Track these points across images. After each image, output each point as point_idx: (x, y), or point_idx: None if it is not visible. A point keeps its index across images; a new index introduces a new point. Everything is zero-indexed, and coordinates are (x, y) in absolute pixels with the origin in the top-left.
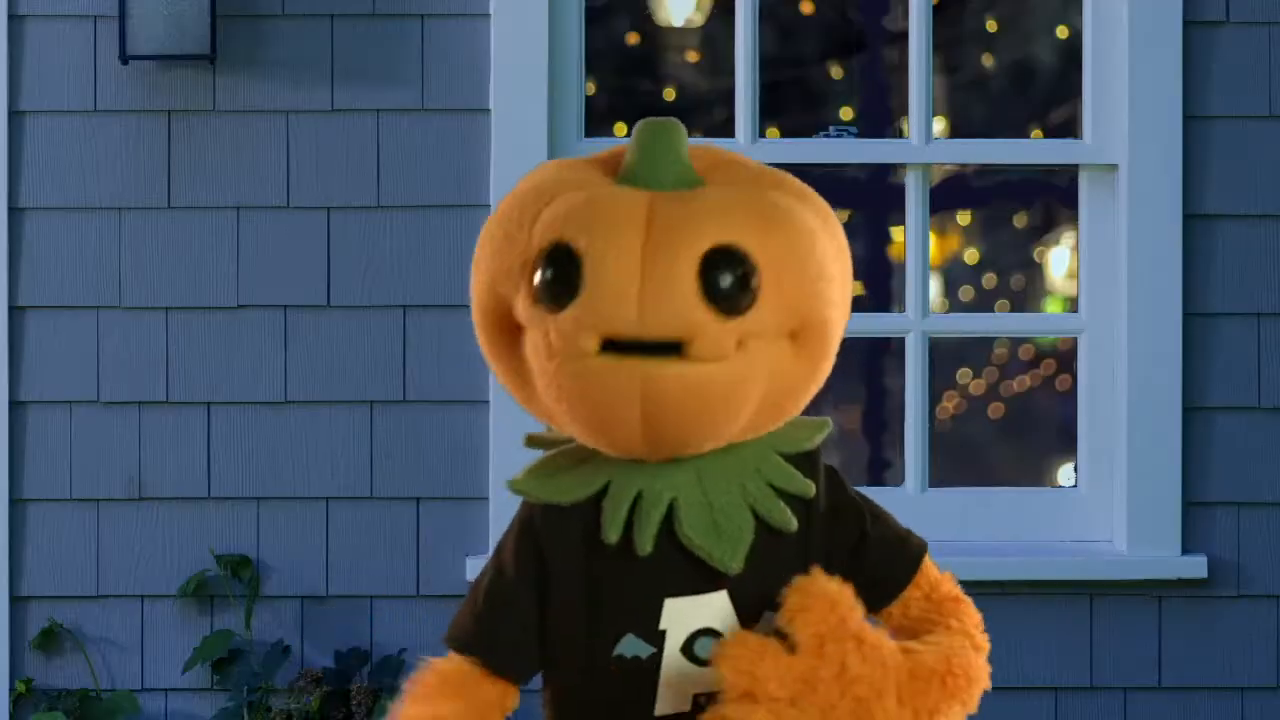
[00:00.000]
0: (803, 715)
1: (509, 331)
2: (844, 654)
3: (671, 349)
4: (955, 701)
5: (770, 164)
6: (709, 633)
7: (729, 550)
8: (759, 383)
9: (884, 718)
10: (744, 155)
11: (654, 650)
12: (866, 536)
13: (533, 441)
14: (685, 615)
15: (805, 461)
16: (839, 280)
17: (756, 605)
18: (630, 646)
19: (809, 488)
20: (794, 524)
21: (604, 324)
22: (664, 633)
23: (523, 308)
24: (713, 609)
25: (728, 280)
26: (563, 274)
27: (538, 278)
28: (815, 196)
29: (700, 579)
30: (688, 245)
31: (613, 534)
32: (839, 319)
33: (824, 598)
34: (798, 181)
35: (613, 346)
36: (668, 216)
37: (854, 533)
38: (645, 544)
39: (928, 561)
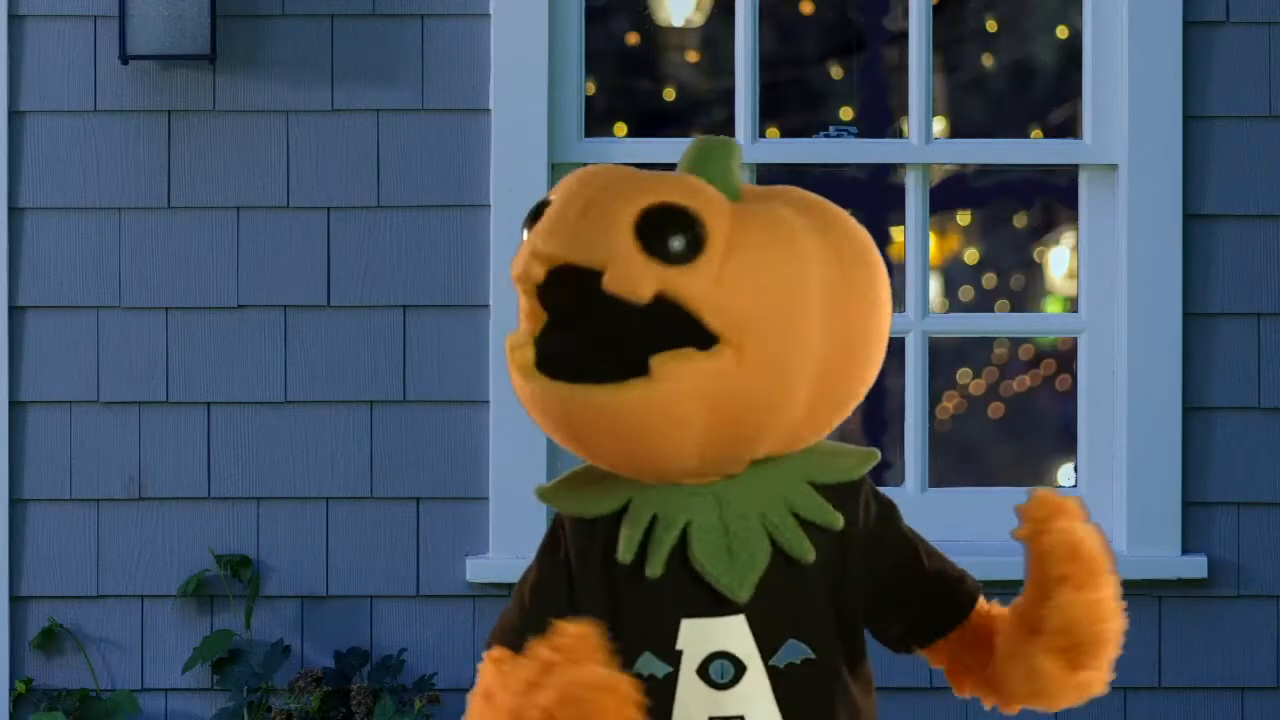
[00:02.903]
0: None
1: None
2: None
3: (599, 374)
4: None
5: (770, 164)
6: (725, 656)
7: (738, 578)
8: (692, 399)
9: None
10: (807, 193)
11: (670, 670)
12: (923, 572)
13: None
14: (702, 637)
15: (845, 492)
16: (822, 311)
17: (776, 633)
18: (647, 664)
19: (835, 520)
20: (811, 555)
21: (540, 246)
22: (680, 653)
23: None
24: (730, 633)
25: (663, 227)
26: (533, 220)
27: (523, 235)
28: (848, 235)
29: (716, 602)
30: (642, 195)
31: (627, 554)
32: (798, 343)
33: (1086, 532)
34: (839, 216)
35: (546, 365)
36: (645, 179)
37: (903, 568)
38: (656, 567)
39: (981, 600)
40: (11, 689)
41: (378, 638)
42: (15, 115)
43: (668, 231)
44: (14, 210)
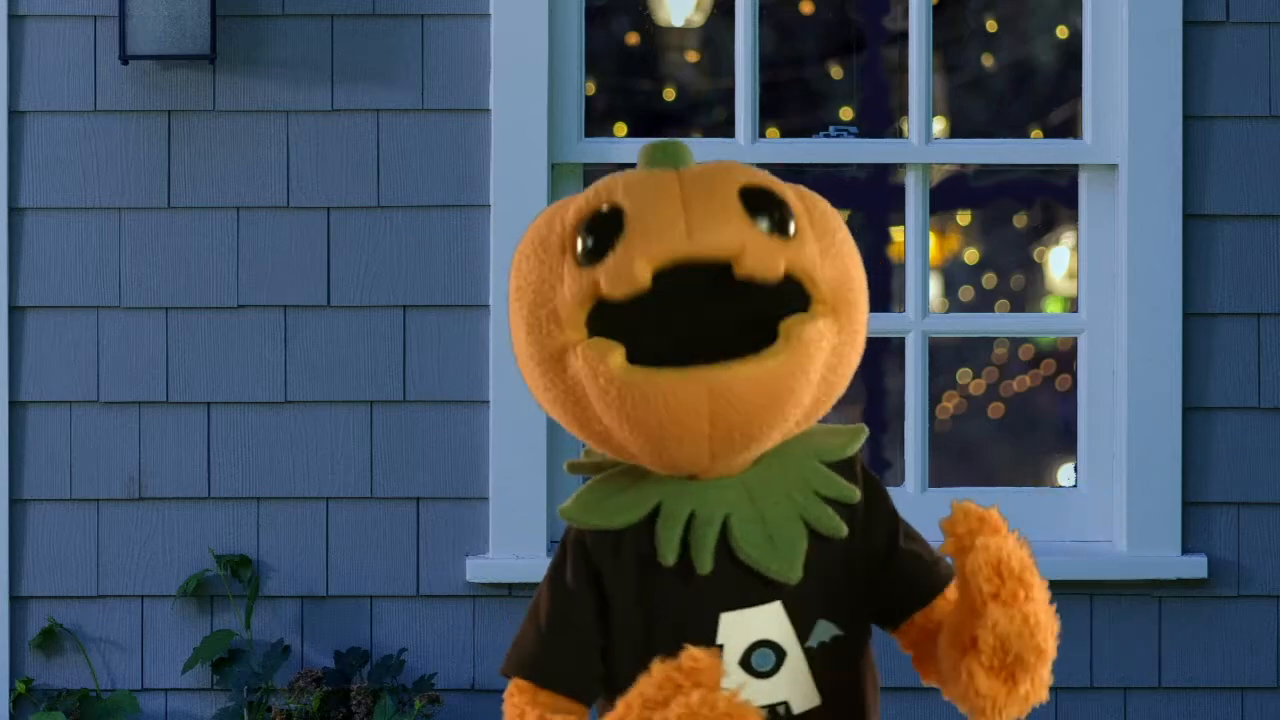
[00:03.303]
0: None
1: (555, 356)
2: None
3: (735, 351)
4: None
5: (770, 164)
6: (766, 645)
7: (786, 562)
8: (818, 366)
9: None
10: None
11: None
12: (898, 551)
13: (574, 468)
14: (741, 628)
15: (846, 468)
16: (858, 269)
17: (810, 613)
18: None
19: (854, 493)
20: (844, 530)
21: (655, 248)
22: (721, 647)
23: (566, 312)
24: (767, 620)
25: (769, 205)
26: (605, 229)
27: (579, 246)
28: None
29: (755, 592)
30: (723, 180)
31: (669, 555)
32: (863, 301)
33: (1010, 539)
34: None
35: (676, 358)
36: (697, 169)
37: (887, 543)
38: (705, 563)
39: (951, 588)
40: (11, 689)
41: (378, 638)
42: (15, 115)
43: (771, 209)
44: (14, 210)
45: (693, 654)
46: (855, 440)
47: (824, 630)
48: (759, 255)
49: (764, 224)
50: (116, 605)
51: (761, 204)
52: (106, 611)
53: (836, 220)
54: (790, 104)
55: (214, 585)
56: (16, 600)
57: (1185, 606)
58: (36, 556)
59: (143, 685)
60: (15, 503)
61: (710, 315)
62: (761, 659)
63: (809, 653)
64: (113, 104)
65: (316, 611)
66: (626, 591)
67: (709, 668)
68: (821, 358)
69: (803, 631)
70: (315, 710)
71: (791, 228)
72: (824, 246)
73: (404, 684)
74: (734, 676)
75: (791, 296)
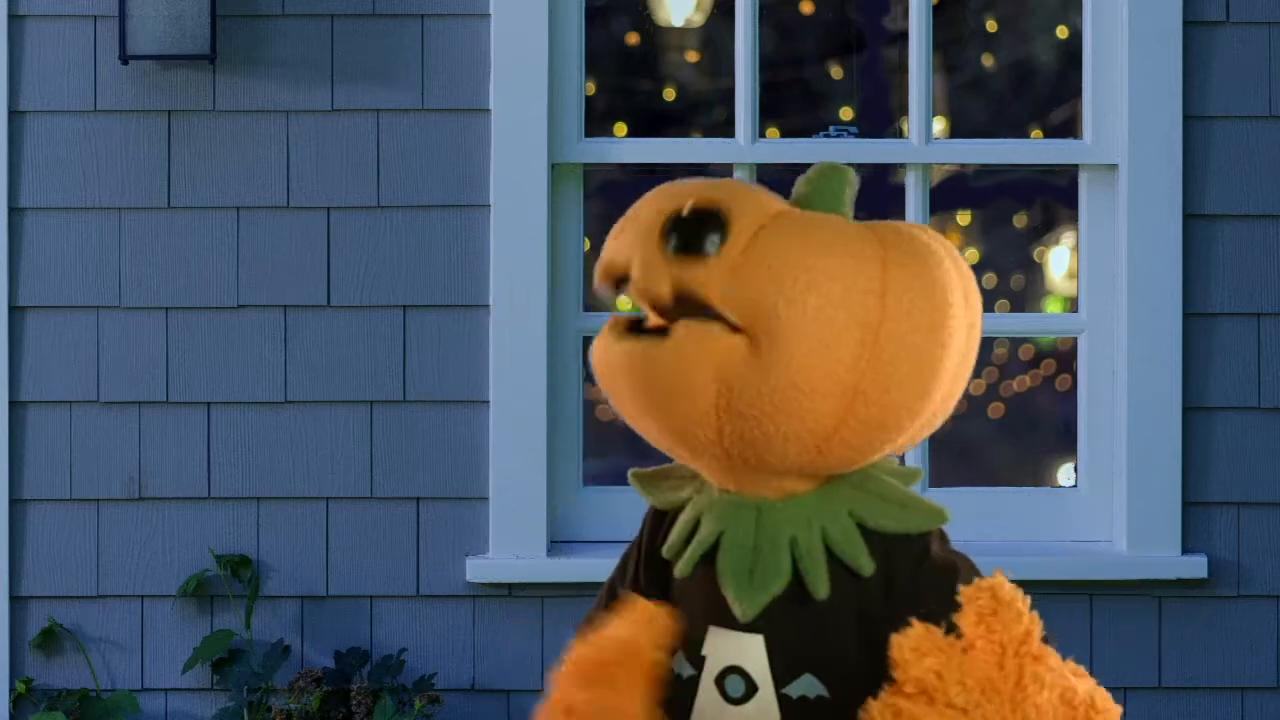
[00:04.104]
0: None
1: None
2: (1022, 671)
3: (638, 334)
4: None
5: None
6: (739, 672)
7: (749, 597)
8: (696, 362)
9: None
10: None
11: (694, 674)
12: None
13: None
14: (723, 647)
15: (899, 543)
16: (860, 324)
17: (794, 662)
18: (679, 663)
19: (864, 565)
20: (822, 590)
21: (601, 259)
22: (704, 659)
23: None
24: (747, 651)
25: (686, 227)
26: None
27: None
28: (915, 258)
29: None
30: (684, 199)
31: (669, 551)
32: (821, 349)
33: (1013, 607)
34: (915, 240)
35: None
36: (694, 187)
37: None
38: (684, 567)
39: None
40: (11, 689)
41: (378, 638)
42: (15, 115)
43: (690, 230)
44: (14, 210)
45: (630, 599)
46: (915, 520)
47: (808, 684)
48: (645, 274)
49: (671, 244)
50: (116, 605)
51: (681, 223)
52: (106, 611)
53: (789, 258)
54: (790, 104)
55: (214, 585)
56: (16, 600)
57: (1185, 606)
58: (36, 556)
59: (143, 685)
60: (15, 503)
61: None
62: (733, 684)
63: (785, 700)
64: (113, 104)
65: (316, 611)
66: (653, 571)
67: (637, 612)
68: (703, 362)
69: (781, 676)
70: (315, 710)
71: (708, 249)
72: (746, 272)
73: (404, 684)
74: (708, 694)
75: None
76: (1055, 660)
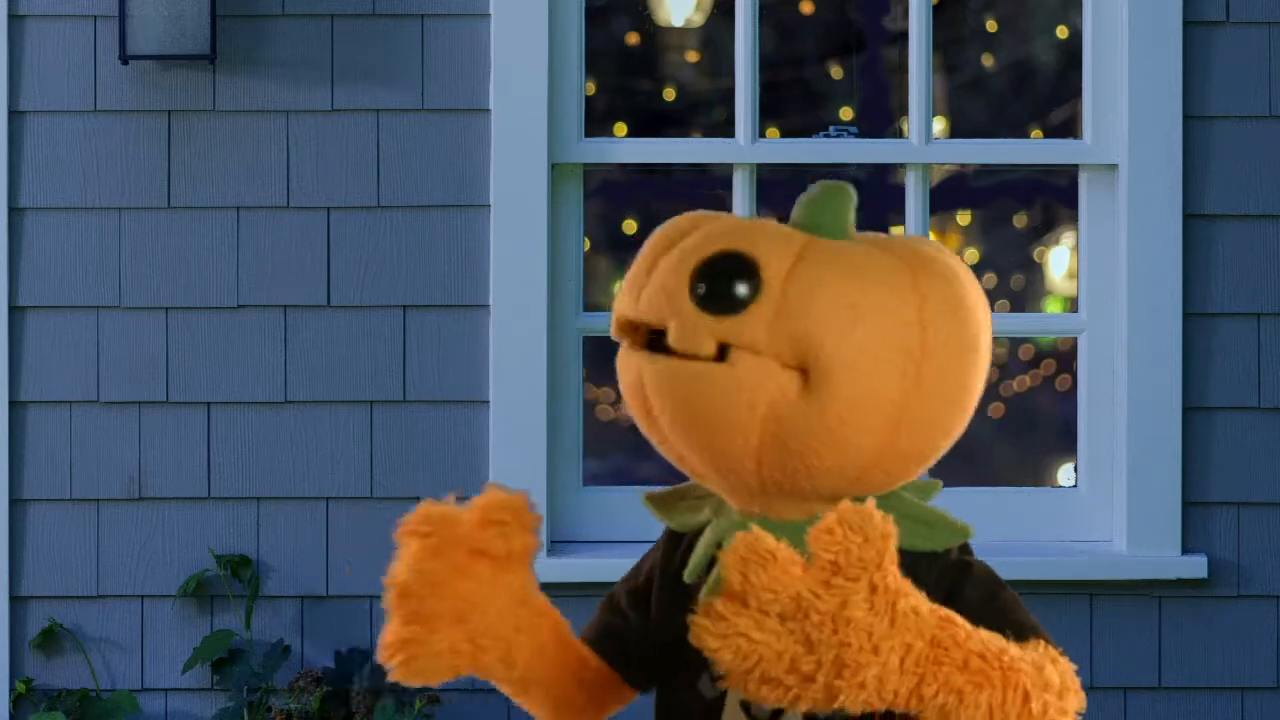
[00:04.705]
0: (785, 637)
1: None
2: (849, 593)
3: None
4: (980, 690)
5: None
6: None
7: None
8: (750, 398)
9: (873, 676)
10: (915, 237)
11: (719, 694)
12: None
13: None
14: None
15: (920, 560)
16: (905, 354)
17: None
18: (705, 685)
19: None
20: None
21: (617, 308)
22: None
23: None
24: None
25: (717, 280)
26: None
27: None
28: (944, 276)
29: None
30: (705, 247)
31: (689, 576)
32: (873, 383)
33: (858, 528)
34: (938, 257)
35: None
36: (707, 228)
37: None
38: (706, 591)
39: None
40: (11, 689)
41: (378, 638)
42: (15, 115)
43: (721, 283)
44: (14, 210)
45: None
46: (939, 537)
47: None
48: (685, 334)
49: (700, 293)
50: (116, 605)
51: (718, 268)
52: (106, 611)
53: (829, 294)
54: (790, 104)
55: (214, 585)
56: (16, 600)
57: (1185, 606)
58: (36, 556)
59: (143, 685)
60: (15, 503)
61: None
62: (759, 706)
63: None
64: (113, 104)
65: (316, 611)
66: (667, 593)
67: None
68: (758, 397)
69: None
70: (315, 710)
71: (741, 297)
72: (788, 313)
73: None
74: (733, 715)
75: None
76: (921, 601)
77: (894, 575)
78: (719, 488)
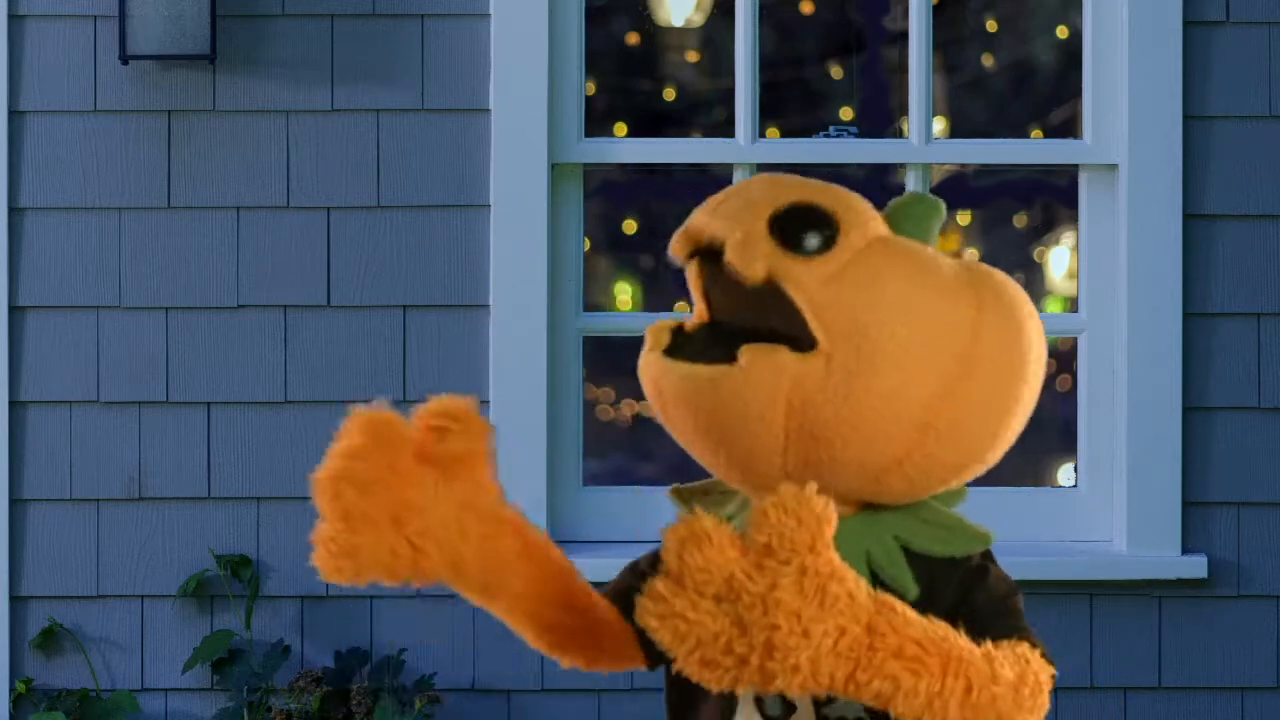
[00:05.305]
0: (720, 618)
1: None
2: (779, 575)
3: (695, 356)
4: (918, 678)
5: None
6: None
7: None
8: (769, 394)
9: (805, 659)
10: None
11: (732, 692)
12: None
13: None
14: None
15: (941, 566)
16: (943, 358)
17: None
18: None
19: (908, 589)
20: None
21: (690, 220)
22: None
23: None
24: None
25: (796, 220)
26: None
27: None
28: (1001, 295)
29: None
30: (789, 193)
31: None
32: (900, 379)
33: (793, 511)
34: (999, 279)
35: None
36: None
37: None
38: None
39: None
40: (11, 689)
41: (378, 638)
42: (15, 115)
43: (799, 225)
44: (14, 210)
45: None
46: (959, 543)
47: (849, 707)
48: (744, 249)
49: (777, 229)
50: (116, 605)
51: (793, 216)
52: (106, 611)
53: (887, 284)
54: (790, 104)
55: (214, 585)
56: (16, 600)
57: (1185, 606)
58: (36, 556)
59: (143, 685)
60: (15, 503)
61: (713, 316)
62: (772, 704)
63: (824, 719)
64: (113, 104)
65: (316, 611)
66: None
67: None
68: (775, 389)
69: (822, 696)
70: (315, 710)
71: (810, 245)
72: (843, 284)
73: (404, 684)
74: (746, 713)
75: (784, 321)
76: (859, 587)
77: (826, 559)
78: (741, 487)
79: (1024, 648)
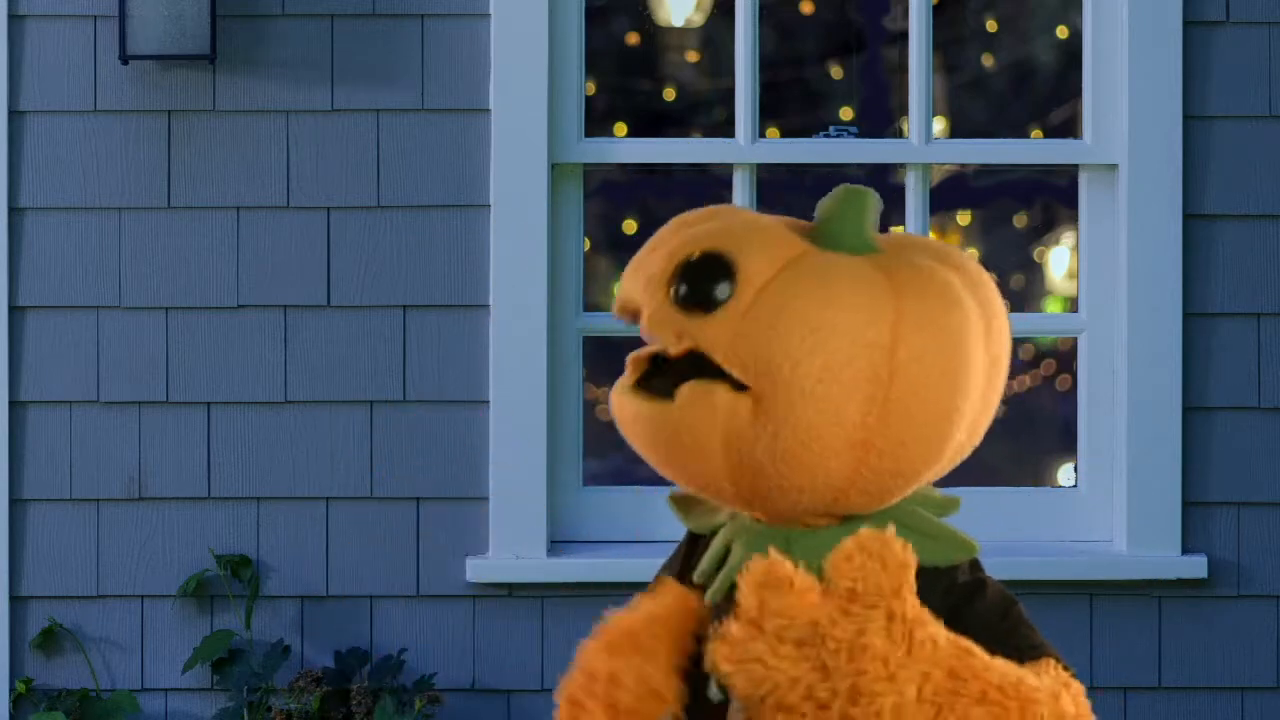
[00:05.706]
0: (801, 664)
1: None
2: (866, 621)
3: (651, 390)
4: None
5: (770, 164)
6: None
7: None
8: (705, 429)
9: (889, 705)
10: (935, 240)
11: (724, 698)
12: None
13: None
14: None
15: (926, 574)
16: (867, 376)
17: None
18: (713, 688)
19: None
20: None
21: (619, 293)
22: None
23: None
24: None
25: (694, 278)
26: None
27: None
28: (929, 299)
29: None
30: (697, 243)
31: (699, 578)
32: (824, 405)
33: (877, 555)
34: (933, 280)
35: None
36: (724, 220)
37: None
38: (715, 594)
39: None
40: (11, 689)
41: (378, 638)
42: (15, 115)
43: (698, 280)
44: (14, 210)
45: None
46: (942, 551)
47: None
48: (656, 325)
49: (680, 292)
50: (116, 605)
51: (686, 271)
52: (106, 611)
53: (794, 316)
54: (790, 104)
55: (214, 585)
56: (16, 600)
57: (1185, 606)
58: (36, 556)
59: (143, 685)
60: (15, 503)
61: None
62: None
63: None
64: (113, 104)
65: (316, 611)
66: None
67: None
68: (709, 425)
69: None
70: (315, 710)
71: (717, 298)
72: (749, 329)
73: (404, 684)
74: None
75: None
76: (940, 631)
77: (912, 604)
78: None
79: (1065, 675)
